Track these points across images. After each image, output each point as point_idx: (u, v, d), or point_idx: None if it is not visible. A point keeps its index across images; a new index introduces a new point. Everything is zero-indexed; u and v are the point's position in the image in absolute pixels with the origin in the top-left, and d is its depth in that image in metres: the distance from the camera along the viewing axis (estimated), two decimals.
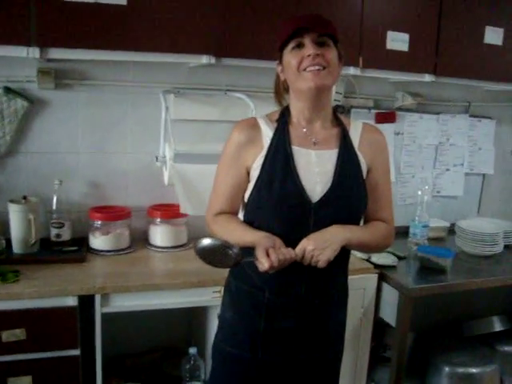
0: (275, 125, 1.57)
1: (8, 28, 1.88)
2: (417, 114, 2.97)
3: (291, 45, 1.48)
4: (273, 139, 1.54)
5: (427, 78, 2.56)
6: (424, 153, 3.04)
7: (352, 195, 1.54)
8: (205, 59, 2.14)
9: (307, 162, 1.52)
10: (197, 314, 2.44)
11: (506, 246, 2.72)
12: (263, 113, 1.65)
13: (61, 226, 2.28)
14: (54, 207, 2.28)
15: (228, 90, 2.53)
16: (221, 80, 2.54)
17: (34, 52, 1.92)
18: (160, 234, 2.42)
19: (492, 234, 2.63)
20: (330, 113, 1.60)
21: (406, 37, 2.43)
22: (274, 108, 1.66)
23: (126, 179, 2.49)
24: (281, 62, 1.55)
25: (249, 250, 1.44)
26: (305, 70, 1.46)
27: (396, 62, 2.46)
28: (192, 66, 2.37)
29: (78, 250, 2.26)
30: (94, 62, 2.26)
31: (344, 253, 1.53)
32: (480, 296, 2.76)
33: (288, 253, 1.40)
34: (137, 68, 2.39)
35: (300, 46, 1.47)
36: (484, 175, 3.26)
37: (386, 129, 2.84)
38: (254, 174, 1.53)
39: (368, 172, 1.59)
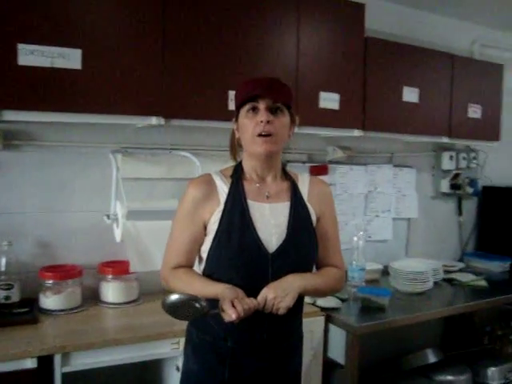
0: (230, 180, 1.67)
1: None
2: (347, 165, 3.22)
3: (247, 107, 1.60)
4: (229, 194, 1.64)
5: (356, 133, 2.82)
6: (355, 201, 3.28)
7: (305, 244, 1.65)
8: (154, 120, 2.25)
9: (262, 215, 1.63)
10: (150, 368, 2.44)
11: (434, 283, 2.97)
12: (209, 170, 1.76)
13: (10, 287, 2.24)
14: (3, 269, 2.25)
15: (172, 149, 2.64)
16: (165, 139, 2.65)
17: None
18: (111, 291, 2.44)
19: (422, 273, 2.87)
20: (279, 169, 1.74)
21: (336, 96, 2.68)
22: (219, 165, 1.79)
23: (76, 237, 2.51)
24: (237, 120, 1.66)
25: (210, 302, 1.51)
26: (257, 135, 1.58)
27: (328, 119, 2.69)
28: (139, 126, 2.46)
29: (29, 311, 2.22)
30: (44, 124, 2.31)
31: (299, 300, 1.63)
32: (415, 330, 2.97)
33: (251, 302, 1.48)
34: (85, 129, 2.45)
35: (255, 109, 1.59)
36: (409, 219, 3.55)
37: None
38: (212, 227, 1.61)
39: (317, 221, 1.72)
